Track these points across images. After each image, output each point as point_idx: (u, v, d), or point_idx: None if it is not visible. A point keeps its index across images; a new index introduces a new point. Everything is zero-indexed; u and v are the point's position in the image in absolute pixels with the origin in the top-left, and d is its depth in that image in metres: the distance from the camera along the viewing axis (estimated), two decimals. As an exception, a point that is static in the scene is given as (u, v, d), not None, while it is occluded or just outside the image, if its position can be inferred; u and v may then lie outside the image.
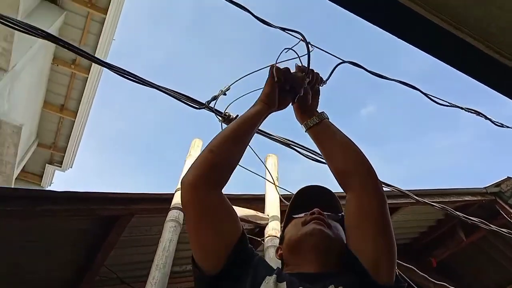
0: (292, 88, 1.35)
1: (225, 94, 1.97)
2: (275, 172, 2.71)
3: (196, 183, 1.18)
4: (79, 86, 7.89)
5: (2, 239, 2.41)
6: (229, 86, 1.92)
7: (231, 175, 1.27)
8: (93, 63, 7.63)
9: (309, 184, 1.47)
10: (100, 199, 2.32)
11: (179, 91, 2.11)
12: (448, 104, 2.29)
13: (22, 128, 6.69)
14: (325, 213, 1.34)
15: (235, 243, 1.18)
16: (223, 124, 1.97)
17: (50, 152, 8.45)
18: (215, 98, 2.04)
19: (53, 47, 7.49)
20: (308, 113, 1.36)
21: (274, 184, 2.59)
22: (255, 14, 2.12)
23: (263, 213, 2.52)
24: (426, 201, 2.95)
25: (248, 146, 1.34)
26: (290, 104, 1.42)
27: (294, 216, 1.38)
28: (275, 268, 1.25)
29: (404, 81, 2.15)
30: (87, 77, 7.72)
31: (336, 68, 1.76)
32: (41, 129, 8.31)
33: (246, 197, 2.57)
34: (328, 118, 1.34)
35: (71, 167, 8.78)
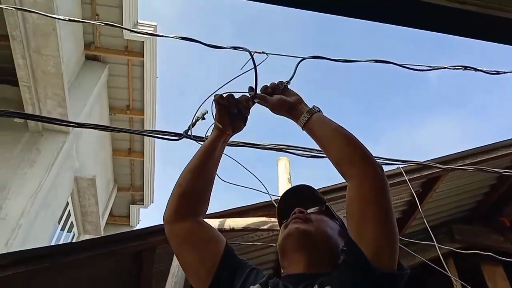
0: (239, 111, 1.38)
1: (204, 119, 1.99)
2: (287, 174, 2.68)
3: (168, 218, 1.30)
4: (138, 126, 8.43)
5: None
6: (206, 111, 1.94)
7: (207, 201, 1.35)
8: (145, 106, 8.13)
9: (291, 187, 1.51)
10: (119, 239, 2.48)
11: (156, 129, 2.22)
12: (429, 68, 2.13)
13: (95, 179, 7.31)
14: (310, 209, 1.35)
15: (218, 262, 1.23)
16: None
17: (130, 193, 9.10)
18: (193, 125, 2.09)
19: (107, 99, 8.13)
20: (297, 112, 1.35)
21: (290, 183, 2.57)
22: (205, 43, 2.18)
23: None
24: (456, 167, 2.71)
25: (215, 170, 1.39)
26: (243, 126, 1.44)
27: (283, 222, 1.39)
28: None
29: (373, 59, 2.05)
30: (143, 118, 8.22)
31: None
32: (117, 175, 8.99)
33: (262, 204, 2.54)
34: (319, 111, 1.33)
35: (153, 202, 9.35)
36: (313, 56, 2.03)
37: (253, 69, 1.45)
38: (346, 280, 1.10)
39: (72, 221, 7.57)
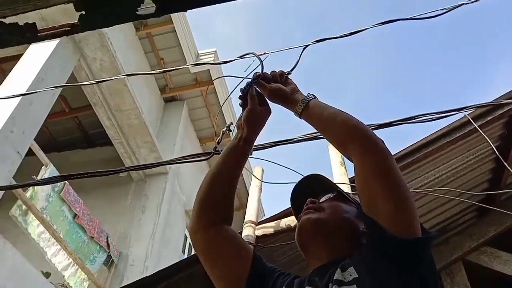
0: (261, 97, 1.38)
1: (230, 131, 2.01)
2: (338, 157, 2.51)
3: (192, 227, 1.28)
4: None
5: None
6: (230, 123, 1.96)
7: (229, 208, 1.31)
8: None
9: (300, 179, 1.44)
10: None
11: (182, 155, 2.25)
12: (443, 11, 1.82)
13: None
14: (322, 198, 1.31)
15: (248, 272, 1.21)
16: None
17: (241, 212, 9.36)
18: (219, 142, 2.11)
19: (194, 132, 8.54)
20: (292, 101, 1.34)
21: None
22: (213, 62, 2.17)
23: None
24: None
25: (237, 174, 1.35)
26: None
27: (299, 216, 1.35)
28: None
29: (379, 22, 1.84)
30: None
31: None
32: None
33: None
34: (314, 98, 1.32)
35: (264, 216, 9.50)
36: (316, 41, 1.93)
37: (260, 68, 1.43)
38: (368, 257, 1.06)
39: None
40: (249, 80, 1.40)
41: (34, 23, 1.50)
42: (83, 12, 1.36)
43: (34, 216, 4.64)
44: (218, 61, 2.13)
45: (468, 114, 2.39)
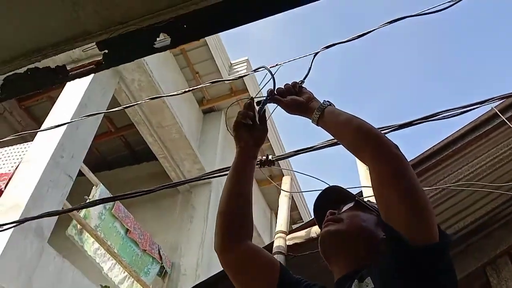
0: (253, 121, 1.42)
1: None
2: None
3: (218, 249, 1.31)
4: (269, 153, 8.75)
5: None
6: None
7: (250, 224, 1.36)
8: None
9: (320, 192, 1.48)
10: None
11: (219, 167, 2.34)
12: (451, 3, 1.79)
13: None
14: (343, 209, 1.34)
15: (277, 284, 1.24)
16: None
17: (288, 215, 9.45)
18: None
19: (233, 142, 8.68)
20: (309, 110, 1.37)
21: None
22: (227, 79, 2.26)
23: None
24: None
25: (251, 190, 1.40)
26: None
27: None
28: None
29: (387, 21, 1.84)
30: (270, 144, 8.52)
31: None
32: (269, 201, 9.46)
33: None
34: (330, 105, 1.35)
35: (311, 216, 9.53)
36: (325, 47, 1.95)
37: (272, 81, 1.47)
38: (386, 266, 1.08)
39: (245, 257, 8.13)
40: (266, 100, 1.41)
41: (64, 65, 1.64)
42: (106, 51, 1.49)
43: (88, 234, 4.92)
44: (231, 78, 2.20)
45: (495, 107, 2.34)
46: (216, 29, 1.36)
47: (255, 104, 1.43)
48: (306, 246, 2.18)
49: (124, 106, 4.60)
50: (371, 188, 1.20)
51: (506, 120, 2.26)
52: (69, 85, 5.31)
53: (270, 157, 1.68)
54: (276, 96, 1.41)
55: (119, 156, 8.23)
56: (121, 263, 5.31)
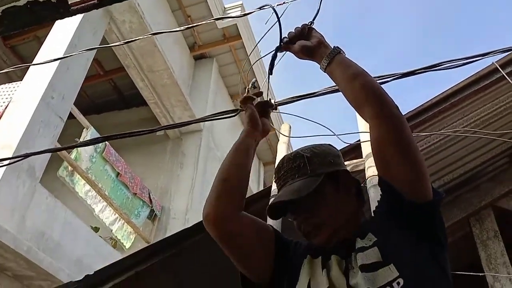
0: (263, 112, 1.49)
1: (255, 87, 2.06)
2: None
3: (220, 216, 1.22)
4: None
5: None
6: (254, 79, 2.00)
7: (245, 196, 1.33)
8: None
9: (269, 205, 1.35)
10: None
11: (214, 112, 2.34)
12: None
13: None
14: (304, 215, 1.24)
15: (274, 251, 1.24)
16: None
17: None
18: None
19: (225, 89, 8.60)
20: (318, 56, 1.33)
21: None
22: (235, 15, 2.19)
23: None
24: None
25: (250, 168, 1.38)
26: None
27: (289, 219, 1.32)
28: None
29: None
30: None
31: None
32: (258, 152, 9.54)
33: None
34: (339, 53, 1.29)
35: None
36: None
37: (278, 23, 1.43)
38: (384, 219, 1.15)
39: (232, 204, 8.30)
40: (277, 50, 1.39)
41: (66, 0, 1.59)
42: (111, -16, 1.43)
43: (80, 176, 4.95)
44: (237, 15, 2.16)
45: (496, 61, 2.35)
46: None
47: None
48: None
49: (116, 43, 4.47)
50: (371, 144, 1.21)
51: (505, 75, 2.27)
52: (58, 25, 5.14)
53: (272, 101, 1.67)
54: (285, 44, 1.37)
55: (108, 100, 8.12)
56: (112, 205, 5.39)
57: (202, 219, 1.25)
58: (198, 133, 7.34)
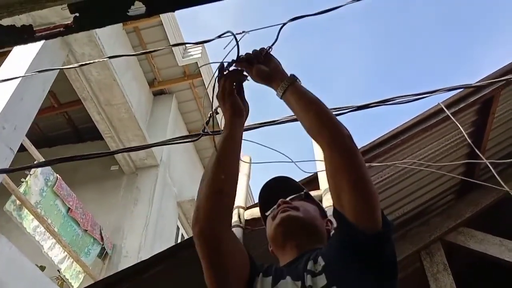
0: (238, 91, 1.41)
1: (217, 113, 2.10)
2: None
3: (211, 232, 1.17)
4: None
5: None
6: (218, 106, 2.05)
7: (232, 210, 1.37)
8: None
9: (268, 180, 1.56)
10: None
11: (167, 150, 2.37)
12: None
13: (195, 198, 7.80)
14: (290, 197, 1.43)
15: (249, 275, 1.22)
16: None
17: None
18: (207, 122, 2.21)
19: (184, 125, 8.64)
20: (275, 82, 1.35)
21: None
22: (192, 42, 2.27)
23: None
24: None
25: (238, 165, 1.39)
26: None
27: (267, 214, 1.47)
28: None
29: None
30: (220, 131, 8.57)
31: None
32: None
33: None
34: (295, 80, 1.32)
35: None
36: (292, 19, 1.98)
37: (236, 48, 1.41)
38: (335, 248, 1.18)
39: (188, 243, 8.16)
40: (232, 63, 1.38)
41: (31, 25, 1.61)
42: (77, 14, 1.48)
43: (28, 211, 4.75)
44: (195, 41, 2.25)
45: (442, 102, 2.56)
46: (192, 2, 1.38)
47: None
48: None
49: (67, 66, 4.42)
50: (325, 171, 1.24)
51: (450, 115, 2.48)
52: (15, 53, 5.07)
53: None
54: (244, 59, 1.37)
55: (61, 133, 7.94)
56: (61, 242, 5.17)
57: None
58: (154, 169, 7.27)
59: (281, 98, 1.33)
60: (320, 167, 2.63)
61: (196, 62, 7.68)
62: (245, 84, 1.47)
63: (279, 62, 1.38)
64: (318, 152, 2.58)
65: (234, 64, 1.39)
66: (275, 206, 1.39)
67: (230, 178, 1.23)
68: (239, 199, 2.27)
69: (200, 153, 9.22)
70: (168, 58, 7.59)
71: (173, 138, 2.38)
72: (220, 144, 1.28)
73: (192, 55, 7.67)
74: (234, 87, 1.39)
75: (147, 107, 7.93)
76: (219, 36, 2.29)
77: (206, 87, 8.03)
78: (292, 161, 2.46)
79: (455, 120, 2.47)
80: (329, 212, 2.31)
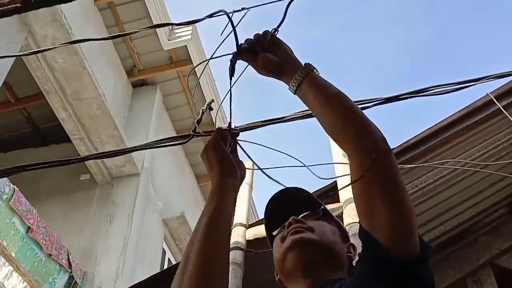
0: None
1: (211, 109, 2.10)
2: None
3: None
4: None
5: None
6: (211, 100, 2.06)
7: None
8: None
9: (276, 192, 1.52)
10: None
11: (150, 153, 2.37)
12: None
13: (185, 215, 7.82)
14: (303, 214, 1.40)
15: None
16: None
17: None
18: (199, 120, 2.22)
19: (170, 123, 8.66)
20: (286, 74, 1.32)
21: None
22: (178, 22, 2.27)
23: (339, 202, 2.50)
24: None
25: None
26: None
27: (274, 234, 1.44)
28: None
29: None
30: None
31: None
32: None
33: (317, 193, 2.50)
34: (312, 71, 1.28)
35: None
36: None
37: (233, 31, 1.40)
38: (365, 279, 1.14)
39: (176, 269, 8.17)
40: (233, 55, 1.34)
41: (-20, 1, 1.63)
42: (37, -13, 1.48)
43: (-21, 231, 4.76)
44: (182, 22, 2.24)
45: (490, 92, 2.54)
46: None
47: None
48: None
49: (23, 53, 4.47)
50: (352, 186, 1.20)
51: (501, 108, 2.46)
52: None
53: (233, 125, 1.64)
54: (246, 49, 1.33)
55: (19, 134, 7.97)
56: (19, 270, 5.19)
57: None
58: (134, 178, 7.28)
59: (294, 93, 1.30)
60: (339, 172, 2.63)
61: (186, 46, 7.69)
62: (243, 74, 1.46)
63: (289, 48, 1.36)
64: (337, 153, 2.58)
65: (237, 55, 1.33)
66: (285, 225, 1.37)
67: (217, 271, 1.12)
68: (240, 215, 2.27)
69: (191, 158, 9.24)
70: (151, 40, 7.61)
71: (157, 141, 2.38)
72: (205, 222, 1.14)
73: (180, 37, 7.69)
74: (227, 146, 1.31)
75: (125, 101, 7.95)
76: (211, 16, 2.29)
77: (198, 76, 8.05)
78: (305, 166, 2.44)
79: (508, 115, 2.45)
80: (352, 231, 2.32)
